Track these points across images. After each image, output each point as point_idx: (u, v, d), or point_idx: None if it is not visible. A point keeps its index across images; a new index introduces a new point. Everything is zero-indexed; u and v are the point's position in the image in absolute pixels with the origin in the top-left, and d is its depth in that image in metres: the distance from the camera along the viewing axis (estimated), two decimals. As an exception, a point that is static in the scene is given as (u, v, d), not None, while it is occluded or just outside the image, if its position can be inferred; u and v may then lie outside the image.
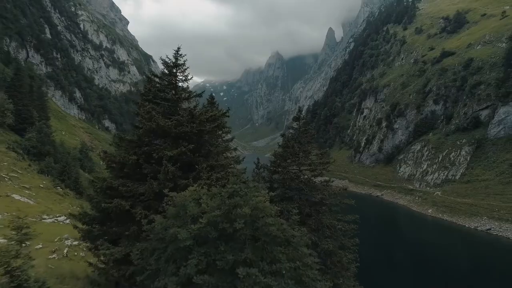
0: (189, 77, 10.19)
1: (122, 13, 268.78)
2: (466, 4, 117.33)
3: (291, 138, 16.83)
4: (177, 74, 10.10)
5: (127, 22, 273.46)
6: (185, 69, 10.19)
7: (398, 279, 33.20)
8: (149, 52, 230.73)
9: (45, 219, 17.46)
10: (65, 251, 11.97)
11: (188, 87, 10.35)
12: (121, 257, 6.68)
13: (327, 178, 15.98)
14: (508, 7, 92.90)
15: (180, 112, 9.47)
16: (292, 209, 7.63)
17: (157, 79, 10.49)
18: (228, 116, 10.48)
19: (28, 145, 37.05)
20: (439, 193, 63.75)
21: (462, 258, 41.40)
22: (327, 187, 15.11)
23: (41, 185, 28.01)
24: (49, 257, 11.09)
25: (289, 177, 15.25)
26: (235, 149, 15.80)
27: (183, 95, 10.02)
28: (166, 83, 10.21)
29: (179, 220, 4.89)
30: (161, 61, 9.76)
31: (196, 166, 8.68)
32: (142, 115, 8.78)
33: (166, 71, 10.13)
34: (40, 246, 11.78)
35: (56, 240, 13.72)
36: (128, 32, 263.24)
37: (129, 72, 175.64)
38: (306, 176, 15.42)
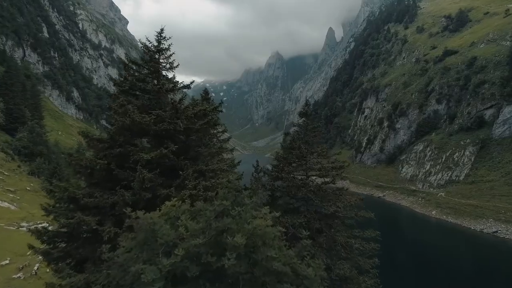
0: (174, 65, 8.65)
1: (121, 13, 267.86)
2: (468, 3, 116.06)
3: (297, 138, 14.18)
4: (160, 60, 8.53)
5: (127, 22, 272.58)
6: (170, 55, 8.63)
7: (402, 282, 31.90)
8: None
9: (23, 227, 15.88)
10: (35, 267, 10.42)
11: (174, 77, 8.93)
12: (85, 287, 5.35)
13: (340, 186, 13.32)
14: (511, 5, 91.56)
15: (163, 106, 7.96)
16: (300, 227, 6.22)
17: (135, 67, 8.78)
18: (221, 111, 8.98)
19: (19, 145, 35.63)
20: (443, 194, 62.43)
21: (468, 262, 40.07)
22: (341, 197, 12.48)
23: (28, 188, 26.53)
24: (14, 276, 9.58)
25: (295, 185, 12.69)
26: (232, 150, 14.21)
27: (166, 86, 8.36)
28: (147, 71, 8.63)
29: (147, 250, 3.52)
30: (141, 45, 8.30)
31: (180, 172, 7.17)
32: (115, 109, 7.39)
33: (147, 57, 8.49)
34: (7, 261, 10.27)
35: (28, 253, 11.97)
36: (128, 31, 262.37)
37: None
38: (315, 183, 12.96)
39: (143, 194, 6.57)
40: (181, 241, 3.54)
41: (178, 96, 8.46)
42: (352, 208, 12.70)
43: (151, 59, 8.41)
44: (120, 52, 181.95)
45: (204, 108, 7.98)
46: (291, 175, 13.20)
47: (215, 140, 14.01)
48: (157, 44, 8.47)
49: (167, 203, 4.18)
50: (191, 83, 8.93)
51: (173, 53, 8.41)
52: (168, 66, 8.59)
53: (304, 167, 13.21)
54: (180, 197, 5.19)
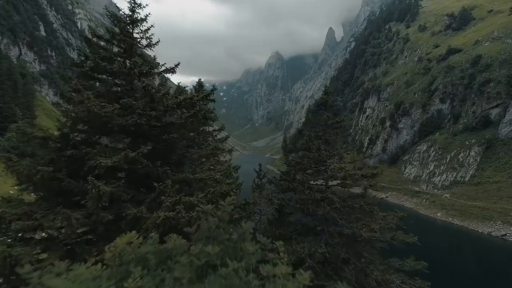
0: (153, 42, 6.79)
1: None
2: (471, 1, 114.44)
3: (315, 136, 10.91)
4: (134, 34, 6.66)
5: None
6: (148, 28, 6.75)
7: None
8: (148, 52, 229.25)
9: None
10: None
11: (154, 57, 6.88)
12: None
13: (369, 199, 10.22)
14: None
15: (136, 93, 6.12)
16: (323, 259, 4.40)
17: (102, 42, 6.66)
18: (213, 100, 7.12)
19: (8, 146, 33.96)
20: (448, 195, 60.88)
21: (476, 266, 38.56)
22: (375, 215, 9.43)
23: (11, 192, 24.91)
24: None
25: (312, 199, 9.59)
26: (230, 151, 12.15)
27: (141, 68, 6.41)
28: (116, 48, 6.64)
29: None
30: (107, 14, 6.47)
31: (155, 184, 5.20)
32: (68, 97, 5.70)
33: (117, 30, 6.55)
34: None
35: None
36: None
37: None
38: (339, 196, 9.72)
39: (102, 215, 4.81)
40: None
41: (157, 82, 6.71)
42: (391, 230, 9.73)
43: (122, 32, 6.52)
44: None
45: (191, 96, 6.17)
46: (306, 184, 10.12)
47: (210, 139, 12.23)
48: (130, 13, 6.53)
49: (118, 241, 2.54)
50: (176, 65, 7.13)
51: (152, 26, 6.62)
52: (145, 42, 6.79)
53: (324, 175, 10.01)
54: (151, 220, 3.61)
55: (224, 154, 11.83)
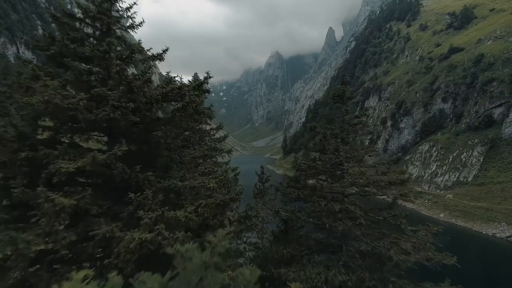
0: (136, 23, 5.78)
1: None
2: None
3: (331, 135, 9.20)
4: (111, 13, 5.60)
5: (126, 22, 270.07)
6: (131, 6, 5.73)
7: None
8: (147, 52, 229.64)
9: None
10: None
11: (140, 42, 5.84)
12: None
13: (396, 211, 8.28)
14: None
15: (112, 81, 5.00)
16: None
17: (74, 23, 5.57)
18: (208, 91, 6.11)
19: None
20: (451, 196, 60.03)
21: (481, 268, 37.67)
22: (405, 230, 7.93)
23: None
24: None
25: (327, 211, 7.80)
26: (229, 151, 11.02)
27: (120, 52, 5.41)
28: (91, 29, 5.64)
29: None
30: None
31: (131, 195, 4.15)
32: (24, 85, 4.44)
33: (91, 7, 5.40)
34: None
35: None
36: (127, 31, 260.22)
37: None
38: (360, 208, 8.01)
39: (61, 234, 3.79)
40: None
41: (139, 68, 5.68)
42: (428, 250, 8.02)
43: (99, 9, 5.41)
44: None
45: (180, 86, 5.13)
46: (319, 193, 8.36)
47: (207, 139, 11.24)
48: (108, -15, 5.37)
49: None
50: (165, 51, 6.07)
51: (135, 3, 5.67)
52: (126, 23, 5.77)
53: (343, 182, 8.27)
54: (124, 244, 2.73)
55: (222, 154, 10.85)
